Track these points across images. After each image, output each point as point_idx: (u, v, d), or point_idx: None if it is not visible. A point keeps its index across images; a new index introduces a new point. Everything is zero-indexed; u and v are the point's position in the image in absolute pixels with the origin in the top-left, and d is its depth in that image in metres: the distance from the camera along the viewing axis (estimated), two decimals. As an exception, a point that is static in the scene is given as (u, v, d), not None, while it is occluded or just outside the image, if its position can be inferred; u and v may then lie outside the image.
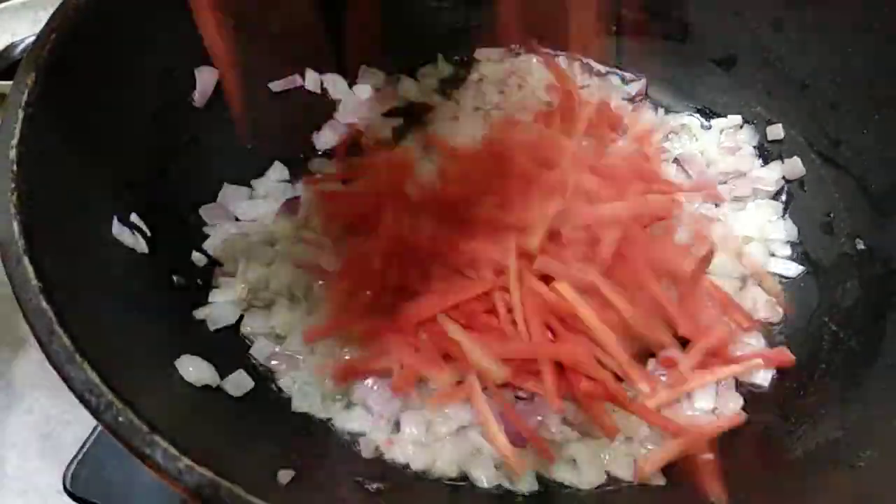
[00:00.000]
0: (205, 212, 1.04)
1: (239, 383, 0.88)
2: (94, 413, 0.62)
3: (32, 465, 1.12)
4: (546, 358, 0.87)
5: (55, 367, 0.64)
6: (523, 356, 0.87)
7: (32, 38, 0.85)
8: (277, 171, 1.13)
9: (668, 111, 1.23)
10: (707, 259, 0.97)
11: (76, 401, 0.64)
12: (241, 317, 0.98)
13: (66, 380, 0.63)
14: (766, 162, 1.16)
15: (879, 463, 0.73)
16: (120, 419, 0.61)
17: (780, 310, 1.00)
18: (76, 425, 1.14)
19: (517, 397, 0.90)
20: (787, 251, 1.07)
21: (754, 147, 1.17)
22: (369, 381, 0.91)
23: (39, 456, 1.12)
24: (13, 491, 1.09)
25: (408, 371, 0.88)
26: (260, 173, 1.13)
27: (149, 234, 0.92)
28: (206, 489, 0.59)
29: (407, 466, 0.87)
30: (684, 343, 0.93)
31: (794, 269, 1.05)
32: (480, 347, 0.87)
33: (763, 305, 1.00)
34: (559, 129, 1.12)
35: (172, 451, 0.60)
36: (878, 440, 0.77)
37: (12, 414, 1.16)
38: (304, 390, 0.92)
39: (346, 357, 0.92)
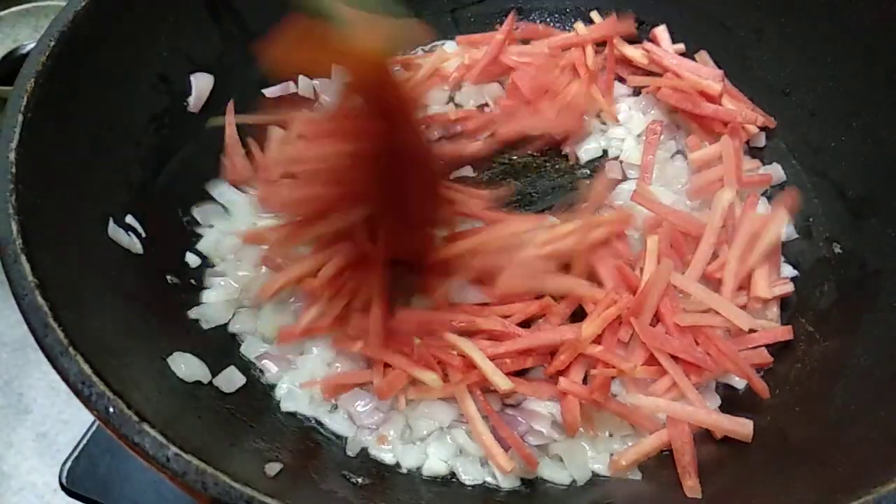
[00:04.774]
0: (199, 213, 1.07)
1: (230, 380, 0.90)
2: (86, 403, 0.64)
3: (29, 463, 1.14)
4: (540, 345, 0.89)
5: (50, 360, 0.66)
6: (519, 347, 0.89)
7: (33, 45, 0.87)
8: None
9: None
10: None
11: (73, 401, 0.65)
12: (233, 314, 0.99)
13: (60, 372, 0.66)
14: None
15: (848, 461, 0.74)
16: (111, 409, 0.63)
17: (774, 311, 1.01)
18: (73, 425, 1.16)
19: (505, 404, 0.91)
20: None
21: (737, 153, 1.19)
22: (355, 391, 0.92)
23: (37, 454, 1.14)
24: (10, 489, 1.11)
25: (395, 374, 0.89)
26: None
27: (144, 234, 0.94)
28: (192, 476, 0.61)
29: (395, 465, 0.88)
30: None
31: (786, 272, 1.04)
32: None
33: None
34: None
35: (161, 439, 0.62)
36: (848, 438, 0.78)
37: (10, 413, 1.18)
38: (292, 391, 0.93)
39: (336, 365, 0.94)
